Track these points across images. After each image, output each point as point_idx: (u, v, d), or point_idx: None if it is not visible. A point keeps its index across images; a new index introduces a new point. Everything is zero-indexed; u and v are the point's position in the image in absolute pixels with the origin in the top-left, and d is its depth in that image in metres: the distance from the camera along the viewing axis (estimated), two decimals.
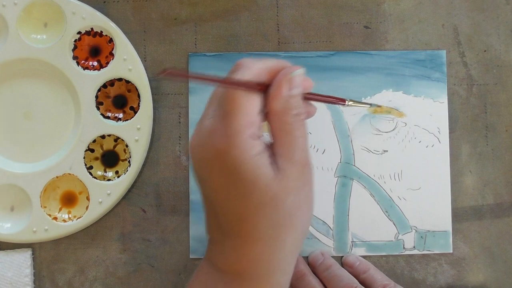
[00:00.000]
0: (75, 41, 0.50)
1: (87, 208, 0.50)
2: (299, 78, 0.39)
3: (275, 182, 0.37)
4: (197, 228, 0.51)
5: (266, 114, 0.39)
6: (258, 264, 0.39)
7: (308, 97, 0.41)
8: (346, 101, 0.43)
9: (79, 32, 0.50)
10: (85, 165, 0.50)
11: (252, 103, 0.37)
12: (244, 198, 0.38)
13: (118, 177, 0.50)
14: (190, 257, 0.51)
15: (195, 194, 0.51)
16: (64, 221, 0.50)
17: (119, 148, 0.51)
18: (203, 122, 0.39)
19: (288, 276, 0.41)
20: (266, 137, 0.39)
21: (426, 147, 0.52)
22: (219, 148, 0.37)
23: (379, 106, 0.50)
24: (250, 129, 0.37)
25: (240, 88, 0.37)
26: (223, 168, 0.38)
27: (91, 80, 0.50)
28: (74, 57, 0.50)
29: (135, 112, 0.50)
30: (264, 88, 0.38)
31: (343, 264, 0.51)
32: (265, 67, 0.39)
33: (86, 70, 0.50)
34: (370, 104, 0.47)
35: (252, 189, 0.37)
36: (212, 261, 0.41)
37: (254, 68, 0.38)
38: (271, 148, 0.39)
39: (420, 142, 0.52)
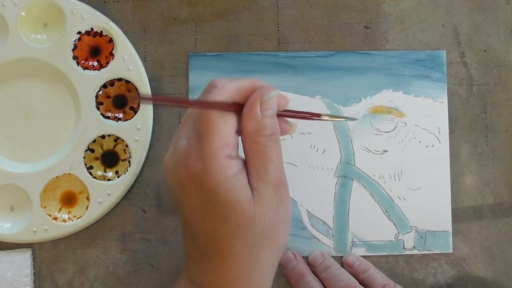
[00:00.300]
0: (75, 41, 0.50)
1: (87, 208, 0.50)
2: (273, 100, 0.38)
3: (252, 203, 0.37)
4: None
5: (240, 134, 0.39)
6: (235, 284, 0.39)
7: (283, 114, 0.40)
8: (322, 116, 0.43)
9: (79, 32, 0.50)
10: (85, 165, 0.50)
11: (227, 124, 0.37)
12: (221, 220, 0.37)
13: (118, 177, 0.50)
14: None
15: None
16: (64, 221, 0.50)
17: (119, 148, 0.51)
18: (178, 143, 0.39)
19: None
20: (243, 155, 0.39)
21: (426, 147, 0.52)
22: (195, 171, 0.37)
23: (354, 119, 0.50)
24: (225, 150, 0.37)
25: (215, 109, 0.37)
26: (199, 190, 0.37)
27: (91, 80, 0.50)
28: (74, 57, 0.50)
29: (135, 112, 0.50)
30: (238, 108, 0.38)
31: (343, 264, 0.51)
32: (239, 87, 0.38)
33: (86, 70, 0.50)
34: (346, 118, 0.48)
35: (229, 211, 0.37)
36: (190, 279, 0.41)
37: (227, 88, 0.38)
38: (246, 168, 0.38)
39: (420, 142, 0.52)
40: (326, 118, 0.43)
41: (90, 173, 0.50)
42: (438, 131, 0.52)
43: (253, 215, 0.37)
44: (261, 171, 0.38)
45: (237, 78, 0.39)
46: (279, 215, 0.38)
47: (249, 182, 0.38)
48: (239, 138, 0.39)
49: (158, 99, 0.36)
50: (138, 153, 0.50)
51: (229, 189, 0.37)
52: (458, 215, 0.52)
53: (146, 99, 0.36)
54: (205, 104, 0.37)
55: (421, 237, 0.52)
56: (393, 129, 0.52)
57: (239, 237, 0.38)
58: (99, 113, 0.50)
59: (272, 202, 0.38)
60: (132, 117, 0.50)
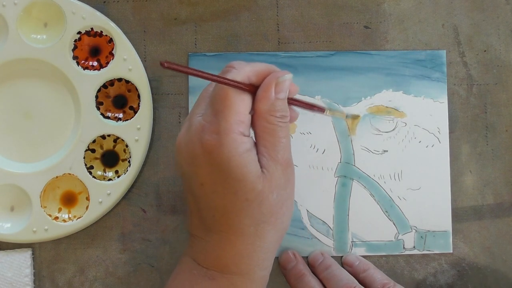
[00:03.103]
0: (75, 41, 0.50)
1: (87, 208, 0.50)
2: (287, 83, 0.40)
3: (261, 179, 0.39)
4: None
5: (252, 115, 0.40)
6: (240, 260, 0.40)
7: (292, 102, 0.42)
8: (326, 111, 0.46)
9: (79, 32, 0.50)
10: (85, 165, 0.50)
11: (243, 103, 0.39)
12: (230, 194, 0.39)
13: (118, 177, 0.50)
14: None
15: None
16: (64, 221, 0.50)
17: (119, 148, 0.51)
18: (192, 121, 0.40)
19: (268, 271, 0.43)
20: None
21: (426, 147, 0.52)
22: (209, 145, 0.39)
23: (355, 117, 0.51)
24: (240, 127, 0.39)
25: (233, 86, 0.39)
26: (212, 164, 0.39)
27: (91, 80, 0.50)
28: (74, 57, 0.50)
29: (135, 112, 0.50)
30: (253, 89, 0.40)
31: (342, 264, 0.51)
32: (255, 70, 0.40)
33: (86, 70, 0.50)
34: (346, 115, 0.50)
35: (239, 185, 0.39)
36: (194, 258, 0.42)
37: (245, 70, 0.40)
38: (256, 147, 0.40)
39: (420, 142, 0.52)
40: (328, 113, 0.47)
41: (90, 173, 0.50)
42: (438, 131, 0.52)
43: (261, 191, 0.39)
44: (271, 150, 0.40)
45: (253, 62, 0.41)
46: (285, 193, 0.41)
47: (259, 161, 0.40)
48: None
49: (182, 69, 0.38)
50: (138, 153, 0.50)
51: (240, 164, 0.38)
52: (458, 215, 0.52)
53: (172, 67, 0.37)
54: (225, 81, 0.39)
55: (421, 237, 0.52)
56: (393, 129, 0.52)
57: (246, 212, 0.39)
58: (99, 113, 0.50)
59: (280, 180, 0.40)
60: (132, 117, 0.50)
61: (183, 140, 0.41)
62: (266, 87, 0.40)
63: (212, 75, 0.38)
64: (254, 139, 0.41)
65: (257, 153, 0.40)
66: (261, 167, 0.40)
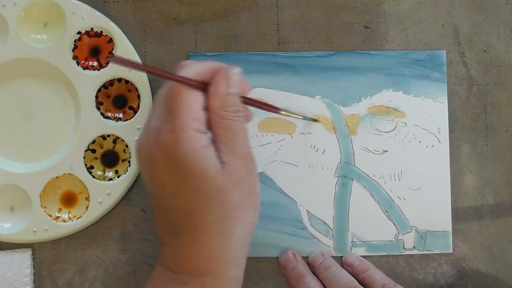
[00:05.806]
0: (75, 41, 0.50)
1: (87, 208, 0.50)
2: (236, 77, 0.40)
3: (221, 175, 0.39)
4: None
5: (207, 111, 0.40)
6: (209, 260, 0.40)
7: (244, 101, 0.42)
8: (280, 110, 0.46)
9: (79, 32, 0.50)
10: (85, 165, 0.50)
11: (195, 100, 0.39)
12: (191, 192, 0.39)
13: (118, 177, 0.50)
14: None
15: None
16: (64, 221, 0.50)
17: (119, 148, 0.51)
18: (150, 123, 0.40)
19: (240, 270, 0.42)
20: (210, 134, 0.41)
21: (426, 147, 0.52)
22: (166, 144, 0.38)
23: (314, 120, 0.51)
24: (195, 124, 0.38)
25: (185, 83, 0.39)
26: (170, 164, 0.39)
27: (91, 80, 0.50)
28: (74, 57, 0.50)
29: (135, 112, 0.50)
30: (204, 87, 0.40)
31: (342, 264, 0.51)
32: (205, 67, 0.41)
33: (86, 70, 0.50)
34: (304, 117, 0.49)
35: (199, 182, 0.38)
36: (165, 264, 0.41)
37: (195, 68, 0.40)
38: (215, 145, 0.40)
39: (420, 142, 0.52)
40: (284, 113, 0.47)
41: (90, 173, 0.50)
42: (438, 131, 0.52)
43: (222, 186, 0.39)
44: (229, 145, 0.40)
45: (204, 61, 0.42)
46: (248, 187, 0.40)
47: (218, 157, 0.39)
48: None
49: (131, 64, 0.39)
50: None
51: (198, 160, 0.38)
52: (458, 215, 0.52)
53: (119, 61, 0.37)
54: (175, 78, 0.39)
55: (421, 237, 0.52)
56: (393, 129, 0.52)
57: (209, 209, 0.39)
58: (99, 113, 0.50)
59: (241, 174, 0.40)
60: (132, 117, 0.50)
61: (142, 144, 0.41)
62: (216, 83, 0.40)
63: (162, 71, 0.39)
64: (212, 137, 0.41)
65: (216, 150, 0.40)
66: (220, 162, 0.39)
